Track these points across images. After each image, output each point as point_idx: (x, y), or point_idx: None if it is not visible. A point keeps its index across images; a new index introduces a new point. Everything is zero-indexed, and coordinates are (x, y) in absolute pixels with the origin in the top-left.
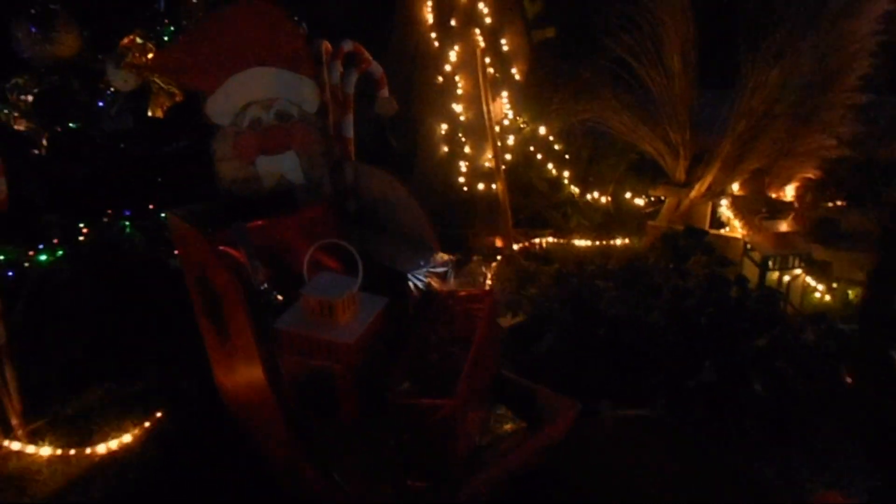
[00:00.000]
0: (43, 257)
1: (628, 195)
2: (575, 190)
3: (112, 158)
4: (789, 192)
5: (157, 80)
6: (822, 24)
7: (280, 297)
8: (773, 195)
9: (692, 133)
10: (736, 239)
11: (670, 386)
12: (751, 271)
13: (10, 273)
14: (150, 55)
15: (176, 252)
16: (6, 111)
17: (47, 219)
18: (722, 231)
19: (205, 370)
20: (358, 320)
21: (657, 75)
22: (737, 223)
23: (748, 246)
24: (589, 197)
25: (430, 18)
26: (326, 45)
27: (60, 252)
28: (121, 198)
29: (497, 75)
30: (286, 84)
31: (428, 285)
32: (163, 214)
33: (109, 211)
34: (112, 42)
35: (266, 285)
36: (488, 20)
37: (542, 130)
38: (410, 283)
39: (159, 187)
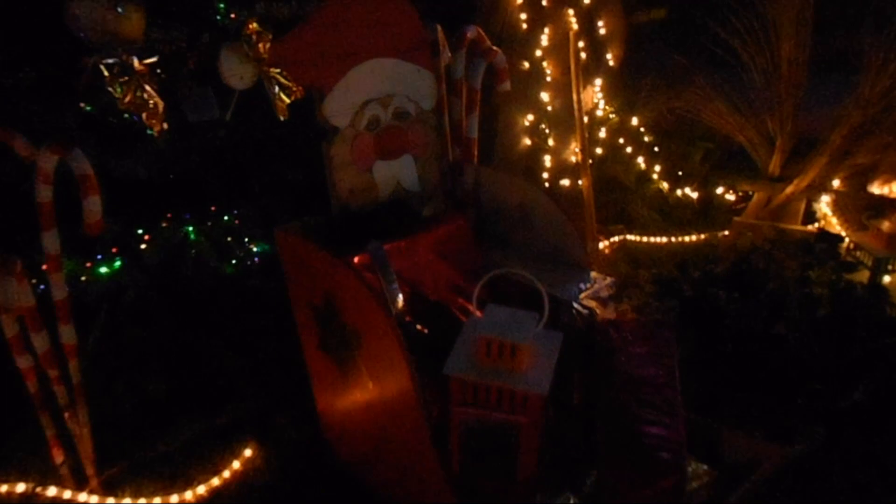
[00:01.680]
0: (103, 269)
1: (720, 190)
2: (664, 185)
3: (193, 155)
4: (894, 189)
5: (276, 74)
6: None
7: (425, 330)
8: (877, 192)
9: (795, 124)
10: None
11: (820, 410)
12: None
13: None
14: (268, 46)
15: (285, 273)
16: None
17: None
18: (809, 228)
19: (303, 403)
20: (541, 364)
21: (763, 60)
22: (834, 221)
23: (851, 246)
24: (679, 192)
25: None
26: (441, 32)
27: (119, 263)
28: (177, 198)
29: (590, 61)
30: (404, 78)
31: (591, 314)
32: (225, 217)
33: (168, 214)
34: (185, 23)
35: (408, 316)
36: (586, 0)
37: (634, 121)
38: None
39: (220, 187)
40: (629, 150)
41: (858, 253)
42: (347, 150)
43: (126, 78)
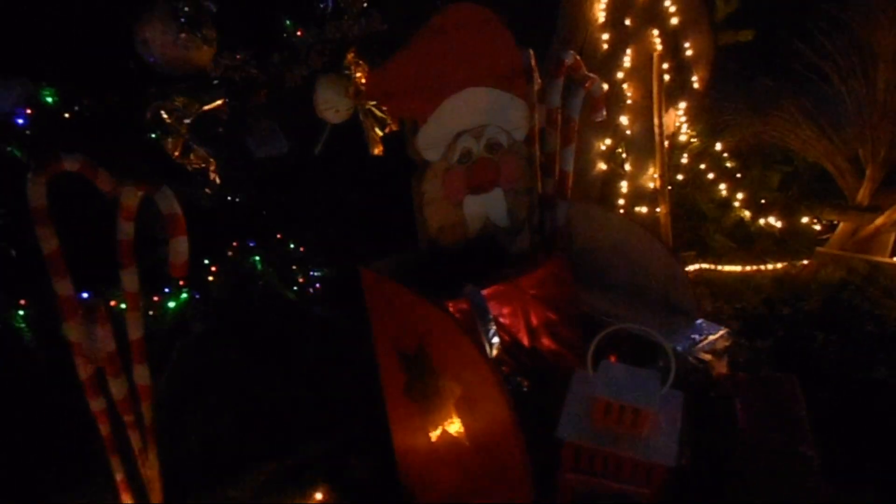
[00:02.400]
0: (171, 304)
1: (805, 219)
2: (746, 213)
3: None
4: None
5: (372, 107)
6: None
7: (525, 383)
8: None
9: (889, 152)
10: None
11: None
12: None
13: None
14: (364, 77)
15: (370, 313)
16: (169, 139)
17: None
18: None
19: (378, 444)
20: (665, 430)
21: (857, 85)
22: None
23: None
24: (762, 221)
25: (601, 17)
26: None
27: (185, 296)
28: (241, 226)
29: (674, 83)
30: (498, 107)
31: (707, 368)
32: (293, 246)
33: (234, 243)
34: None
35: (505, 366)
36: (674, 20)
37: (718, 146)
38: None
39: (281, 213)
40: (711, 176)
41: None
42: (439, 184)
43: (175, 135)
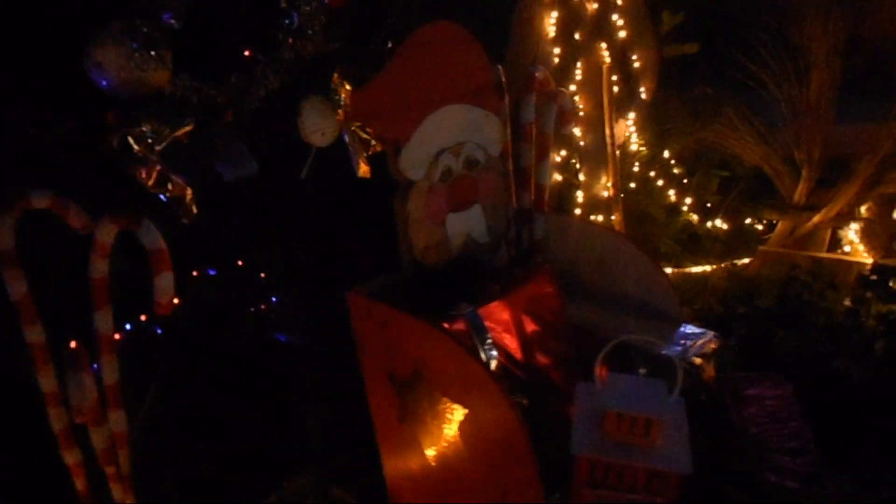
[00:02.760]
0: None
1: (748, 220)
2: (693, 217)
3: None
4: None
5: (357, 129)
6: None
7: (526, 402)
8: None
9: (823, 153)
10: (858, 263)
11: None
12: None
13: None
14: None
15: (357, 338)
16: (141, 167)
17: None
18: (838, 255)
19: (366, 472)
20: (675, 438)
21: (791, 88)
22: (861, 248)
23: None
24: (709, 224)
25: (551, 31)
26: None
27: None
28: (200, 254)
29: (623, 94)
30: (475, 124)
31: (699, 371)
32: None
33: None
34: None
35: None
36: (622, 33)
37: (666, 154)
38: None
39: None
40: (660, 182)
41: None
42: (422, 203)
43: (148, 164)
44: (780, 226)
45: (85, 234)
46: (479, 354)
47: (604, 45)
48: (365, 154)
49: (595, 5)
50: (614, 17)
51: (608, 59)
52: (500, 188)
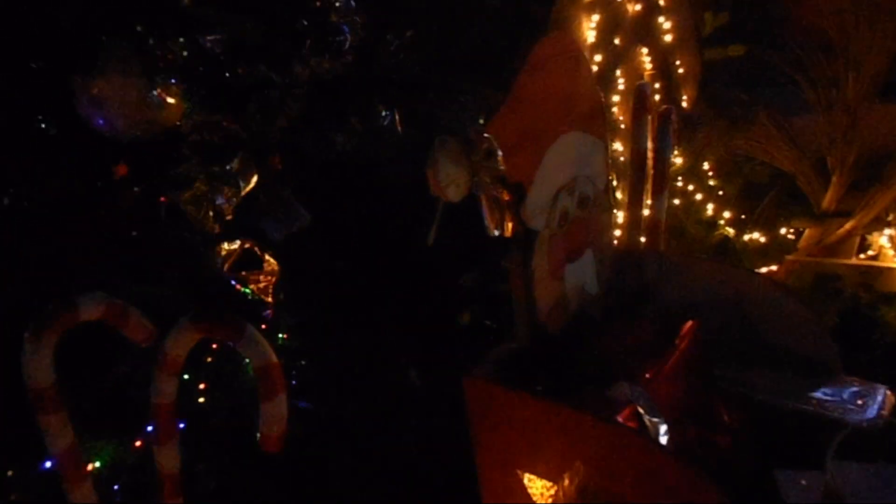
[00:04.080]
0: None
1: (783, 230)
2: (730, 231)
3: None
4: None
5: (486, 178)
6: None
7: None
8: None
9: (857, 157)
10: (890, 269)
11: None
12: None
13: None
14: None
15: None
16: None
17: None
18: (873, 262)
19: None
20: None
21: (826, 91)
22: (892, 253)
23: None
24: (747, 237)
25: (591, 36)
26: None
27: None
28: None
29: (663, 104)
30: (585, 154)
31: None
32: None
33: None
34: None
35: None
36: (668, 37)
37: (706, 165)
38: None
39: None
40: (699, 196)
41: None
42: (545, 257)
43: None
44: (806, 233)
45: (146, 346)
46: (661, 446)
47: (645, 50)
48: (505, 207)
49: (638, 6)
50: (660, 19)
51: (650, 66)
52: (608, 227)
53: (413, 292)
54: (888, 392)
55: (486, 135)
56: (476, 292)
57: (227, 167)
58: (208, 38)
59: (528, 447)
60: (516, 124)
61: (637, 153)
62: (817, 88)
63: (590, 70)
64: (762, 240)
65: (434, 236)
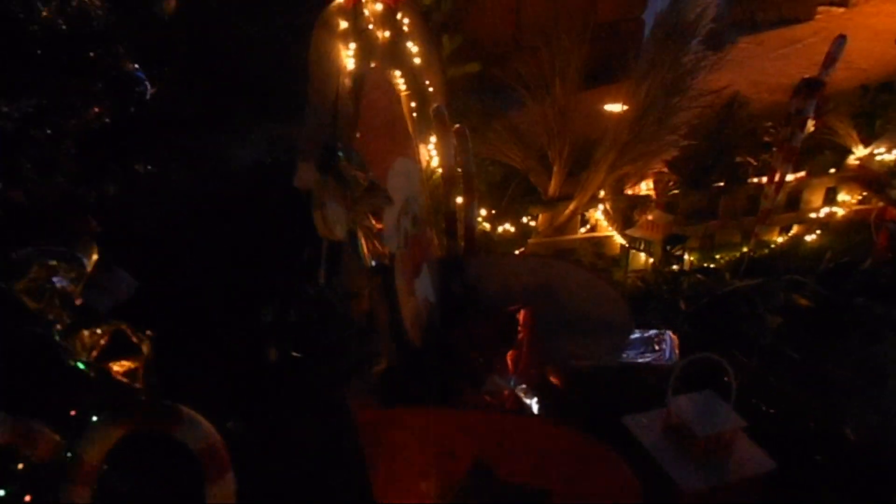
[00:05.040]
0: None
1: (524, 219)
2: (486, 226)
3: None
4: (642, 188)
5: (365, 212)
6: None
7: None
8: (630, 192)
9: (571, 149)
10: (611, 237)
11: None
12: (637, 261)
13: None
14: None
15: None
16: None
17: None
18: (594, 234)
19: None
20: (743, 439)
21: (541, 95)
22: (605, 224)
23: (634, 239)
24: (500, 229)
25: (349, 63)
26: None
27: None
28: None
29: (419, 120)
30: (409, 176)
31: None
32: None
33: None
34: None
35: None
36: (417, 60)
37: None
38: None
39: None
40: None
41: (637, 244)
42: (401, 277)
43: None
44: (541, 218)
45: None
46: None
47: (398, 72)
48: (375, 237)
49: (387, 33)
50: (408, 44)
51: (404, 87)
52: (431, 239)
53: (212, 338)
54: (671, 334)
55: (363, 173)
56: (277, 325)
57: (61, 243)
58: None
59: (426, 461)
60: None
61: (447, 168)
62: (532, 91)
63: (398, 96)
64: (512, 229)
65: (323, 278)
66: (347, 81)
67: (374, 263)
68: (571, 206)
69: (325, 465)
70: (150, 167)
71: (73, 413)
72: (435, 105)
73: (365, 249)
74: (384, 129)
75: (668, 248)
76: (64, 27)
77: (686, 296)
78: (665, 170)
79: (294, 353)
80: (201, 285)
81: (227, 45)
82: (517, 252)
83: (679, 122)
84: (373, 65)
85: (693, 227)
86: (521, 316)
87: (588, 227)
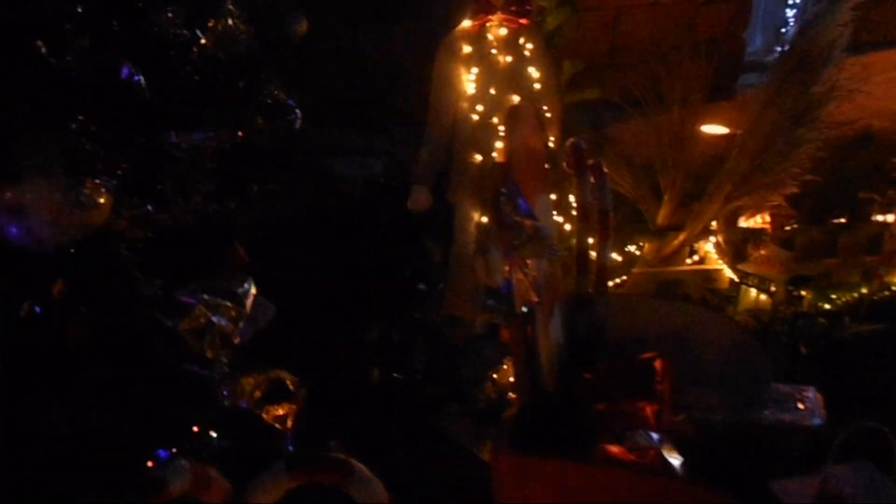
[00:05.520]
0: None
1: (631, 248)
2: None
3: None
4: (758, 221)
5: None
6: None
7: None
8: (745, 225)
9: (685, 178)
10: (720, 271)
11: None
12: (748, 297)
13: None
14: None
15: None
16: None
17: None
18: (701, 266)
19: None
20: None
21: (658, 121)
22: (715, 256)
23: (747, 274)
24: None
25: (470, 88)
26: None
27: None
28: None
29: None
30: (547, 210)
31: None
32: None
33: None
34: None
35: None
36: (537, 85)
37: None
38: None
39: None
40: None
41: (750, 279)
42: (541, 320)
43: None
44: (647, 247)
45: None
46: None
47: (516, 98)
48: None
49: (509, 58)
50: (530, 69)
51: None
52: (561, 278)
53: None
54: (815, 392)
55: (528, 221)
56: (381, 346)
57: (224, 279)
58: (184, 138)
59: None
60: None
61: (582, 206)
62: (649, 116)
63: (537, 125)
64: (619, 258)
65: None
66: (466, 105)
67: (525, 311)
68: (681, 238)
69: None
70: (266, 186)
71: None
72: (572, 140)
73: (519, 293)
74: (529, 163)
75: (791, 288)
76: (221, 55)
77: (806, 340)
78: (783, 202)
79: (396, 375)
80: (310, 303)
81: (348, 67)
82: (644, 296)
83: (803, 156)
84: (492, 91)
85: (810, 264)
86: (658, 365)
87: (695, 258)
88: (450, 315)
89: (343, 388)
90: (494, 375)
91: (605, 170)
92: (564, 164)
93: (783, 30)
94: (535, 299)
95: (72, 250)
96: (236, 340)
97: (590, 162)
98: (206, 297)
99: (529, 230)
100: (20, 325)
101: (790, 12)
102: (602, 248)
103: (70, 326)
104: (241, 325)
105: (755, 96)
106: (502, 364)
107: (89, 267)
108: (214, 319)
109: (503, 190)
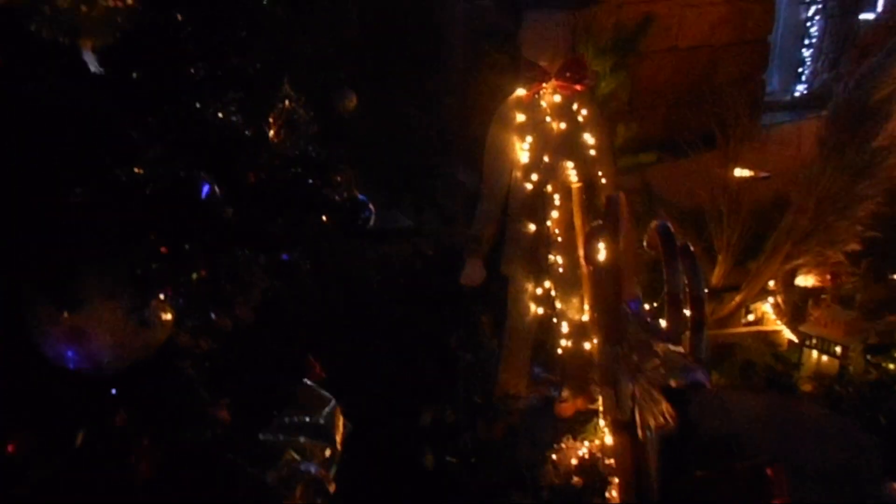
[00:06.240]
0: None
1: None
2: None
3: None
4: (817, 279)
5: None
6: None
7: None
8: (804, 284)
9: (742, 236)
10: (779, 332)
11: None
12: (811, 361)
13: None
14: None
15: None
16: None
17: None
18: (759, 327)
19: None
20: None
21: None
22: (773, 317)
23: (809, 336)
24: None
25: (524, 157)
26: None
27: None
28: None
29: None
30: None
31: None
32: None
33: None
34: None
35: None
36: (591, 151)
37: None
38: None
39: None
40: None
41: (814, 341)
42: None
43: None
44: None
45: None
46: None
47: (570, 164)
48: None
49: (563, 125)
50: (585, 135)
51: (575, 178)
52: None
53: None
54: None
55: (661, 344)
56: (434, 428)
57: (317, 419)
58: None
59: None
60: None
61: (672, 294)
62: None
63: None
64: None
65: None
66: (520, 175)
67: (650, 434)
68: (738, 298)
69: None
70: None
71: None
72: (657, 222)
73: (639, 420)
74: (629, 260)
75: (869, 356)
76: (290, 150)
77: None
78: (843, 260)
79: (450, 459)
80: (361, 387)
81: (394, 139)
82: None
83: (863, 212)
84: (546, 158)
85: (872, 323)
86: (771, 472)
87: (751, 318)
88: (504, 394)
89: (398, 476)
90: (554, 457)
91: (695, 253)
92: (645, 246)
93: (800, 69)
94: (663, 426)
95: (132, 371)
96: (332, 488)
97: (680, 245)
98: (291, 437)
99: (660, 352)
100: (76, 456)
101: (807, 52)
102: (697, 339)
103: (135, 460)
104: (334, 469)
105: (779, 137)
106: (561, 443)
107: (152, 389)
108: (303, 469)
109: (625, 307)
